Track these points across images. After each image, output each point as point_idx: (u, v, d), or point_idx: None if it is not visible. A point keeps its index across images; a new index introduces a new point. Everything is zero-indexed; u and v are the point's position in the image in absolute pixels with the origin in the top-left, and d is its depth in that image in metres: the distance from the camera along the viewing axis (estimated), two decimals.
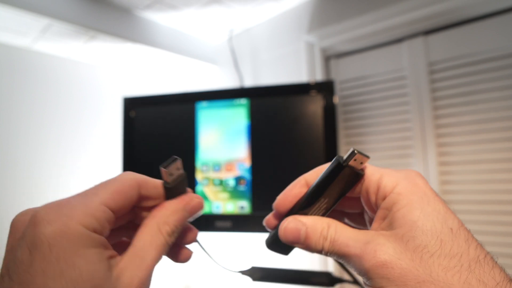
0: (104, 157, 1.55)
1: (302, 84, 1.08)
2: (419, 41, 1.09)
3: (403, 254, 0.20)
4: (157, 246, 0.22)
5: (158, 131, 1.17)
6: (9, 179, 1.29)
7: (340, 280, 0.80)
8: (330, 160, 0.26)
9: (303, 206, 0.26)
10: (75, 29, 1.19)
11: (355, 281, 0.79)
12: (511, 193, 0.91)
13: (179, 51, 1.48)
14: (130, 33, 1.31)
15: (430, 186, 0.23)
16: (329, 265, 1.21)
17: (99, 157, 1.54)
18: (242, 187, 1.07)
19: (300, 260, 1.24)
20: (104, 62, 1.54)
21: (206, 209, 1.08)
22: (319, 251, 0.25)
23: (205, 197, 1.09)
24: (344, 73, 1.27)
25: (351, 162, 0.24)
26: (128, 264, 0.21)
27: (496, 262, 0.20)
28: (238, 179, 1.08)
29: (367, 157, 0.24)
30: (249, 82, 1.49)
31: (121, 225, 0.26)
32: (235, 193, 1.07)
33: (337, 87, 1.25)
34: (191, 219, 0.27)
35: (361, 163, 0.24)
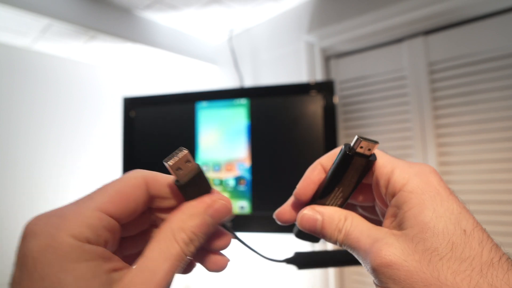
0: (104, 157, 1.55)
1: (302, 84, 1.08)
2: (419, 41, 1.09)
3: (411, 256, 0.20)
4: (170, 257, 0.19)
5: (158, 131, 1.17)
6: (9, 179, 1.29)
7: None
8: None
9: (321, 196, 0.26)
10: (75, 29, 1.19)
11: None
12: (511, 193, 0.91)
13: (179, 51, 1.48)
14: (130, 33, 1.31)
15: (444, 183, 0.22)
16: None
17: (99, 157, 1.54)
18: (242, 187, 1.07)
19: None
20: (104, 62, 1.54)
21: None
22: (334, 242, 0.25)
23: None
24: (344, 73, 1.27)
25: (359, 150, 0.24)
26: (135, 278, 0.18)
27: None
28: (238, 179, 1.08)
29: (374, 142, 0.23)
30: (249, 82, 1.49)
31: (140, 231, 0.23)
32: (235, 193, 1.07)
33: (337, 87, 1.25)
34: (217, 224, 0.22)
35: (369, 149, 0.24)
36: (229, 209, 0.23)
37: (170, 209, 0.22)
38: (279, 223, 0.28)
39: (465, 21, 1.02)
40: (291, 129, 1.06)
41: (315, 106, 1.04)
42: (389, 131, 1.15)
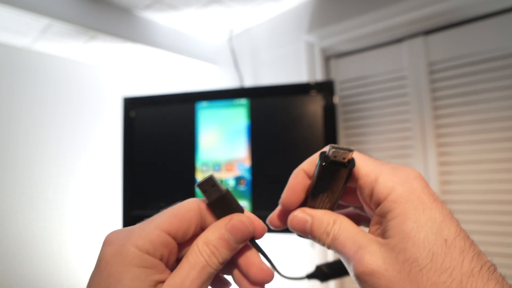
0: (104, 157, 1.55)
1: (302, 84, 1.08)
2: (419, 41, 1.09)
3: (392, 266, 0.20)
4: (195, 266, 0.22)
5: (158, 131, 1.17)
6: (9, 179, 1.29)
7: None
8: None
9: (308, 202, 0.26)
10: (75, 29, 1.19)
11: None
12: (511, 193, 0.91)
13: (179, 51, 1.48)
14: (130, 33, 1.31)
15: (429, 189, 0.22)
16: None
17: (99, 157, 1.54)
18: (242, 187, 1.07)
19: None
20: (104, 62, 1.54)
21: None
22: (322, 245, 0.25)
23: None
24: (344, 73, 1.27)
25: (334, 159, 0.23)
26: (169, 283, 0.21)
27: (494, 272, 0.19)
28: (238, 179, 1.08)
29: (349, 151, 0.23)
30: (249, 82, 1.49)
31: None
32: (235, 193, 1.07)
33: (337, 87, 1.25)
34: (240, 244, 0.24)
35: (344, 158, 0.23)
36: (245, 224, 0.24)
37: None
38: (272, 228, 0.29)
39: (465, 21, 1.02)
40: (291, 129, 1.06)
41: (315, 106, 1.04)
42: (389, 131, 1.14)
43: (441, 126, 1.04)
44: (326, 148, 0.24)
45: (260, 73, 1.46)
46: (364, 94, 1.21)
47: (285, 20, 1.38)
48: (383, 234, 0.22)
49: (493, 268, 0.19)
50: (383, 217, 0.22)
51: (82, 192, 1.47)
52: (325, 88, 1.04)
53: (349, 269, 0.23)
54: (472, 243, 0.20)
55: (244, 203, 1.06)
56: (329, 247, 0.24)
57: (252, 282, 0.24)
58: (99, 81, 1.57)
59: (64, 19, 1.13)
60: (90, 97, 1.54)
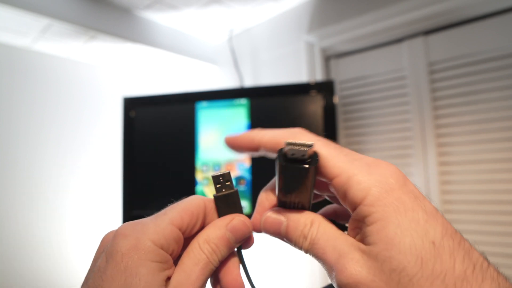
0: (104, 157, 1.55)
1: (302, 84, 1.08)
2: (419, 41, 1.09)
3: (378, 276, 0.18)
4: (198, 263, 0.22)
5: (158, 131, 1.17)
6: (9, 179, 1.29)
7: None
8: None
9: (279, 203, 0.24)
10: (75, 29, 1.19)
11: None
12: (511, 193, 0.91)
13: (179, 51, 1.48)
14: (130, 33, 1.31)
15: (408, 186, 0.20)
16: None
17: (99, 157, 1.54)
18: (242, 187, 1.07)
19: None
20: (104, 62, 1.54)
21: None
22: (300, 249, 0.23)
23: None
24: (344, 73, 1.27)
25: (292, 156, 0.21)
26: (173, 280, 0.22)
27: (488, 269, 0.18)
28: (238, 179, 1.08)
29: (307, 146, 0.20)
30: (249, 82, 1.49)
31: None
32: None
33: (337, 87, 1.26)
34: (238, 242, 0.25)
35: (303, 155, 0.21)
36: (246, 226, 0.25)
37: None
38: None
39: (465, 21, 1.02)
40: None
41: (315, 106, 1.04)
42: (389, 131, 1.14)
43: (441, 126, 1.04)
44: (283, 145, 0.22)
45: (260, 73, 1.46)
46: (364, 94, 1.21)
47: (285, 20, 1.38)
48: (364, 240, 0.20)
49: (486, 263, 0.18)
50: (361, 222, 0.20)
51: (82, 192, 1.47)
52: (325, 88, 1.04)
53: (331, 278, 0.21)
54: (461, 239, 0.19)
55: (244, 203, 1.06)
56: (306, 252, 0.22)
57: None
58: (99, 81, 1.57)
59: (64, 19, 1.13)
60: (90, 97, 1.54)
